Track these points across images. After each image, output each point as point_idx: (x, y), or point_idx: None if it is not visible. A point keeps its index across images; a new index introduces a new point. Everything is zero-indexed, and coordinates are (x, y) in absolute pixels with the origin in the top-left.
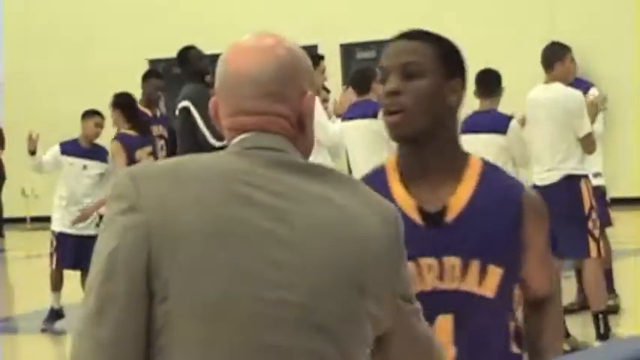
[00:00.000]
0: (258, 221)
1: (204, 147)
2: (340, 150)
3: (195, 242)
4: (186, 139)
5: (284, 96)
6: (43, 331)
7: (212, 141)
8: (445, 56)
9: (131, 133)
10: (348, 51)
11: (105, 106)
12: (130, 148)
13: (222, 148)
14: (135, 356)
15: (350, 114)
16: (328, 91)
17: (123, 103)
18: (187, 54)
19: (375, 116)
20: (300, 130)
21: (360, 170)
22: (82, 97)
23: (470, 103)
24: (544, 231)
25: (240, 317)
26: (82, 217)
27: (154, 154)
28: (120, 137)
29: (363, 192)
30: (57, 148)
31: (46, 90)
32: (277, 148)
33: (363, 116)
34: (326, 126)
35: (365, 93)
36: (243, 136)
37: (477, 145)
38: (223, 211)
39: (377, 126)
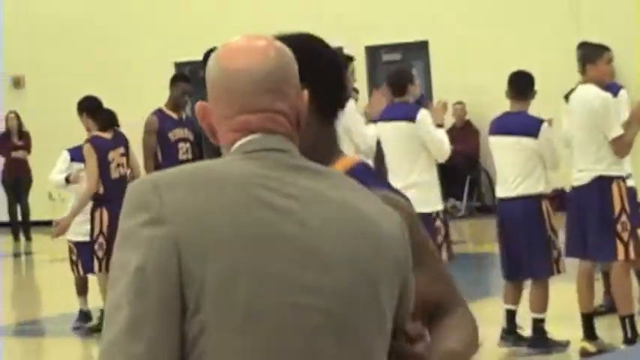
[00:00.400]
0: (281, 226)
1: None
2: (370, 154)
3: (223, 251)
4: (210, 144)
5: (283, 93)
6: (75, 329)
7: None
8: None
9: (103, 135)
10: (373, 53)
11: (130, 110)
12: (101, 150)
13: None
14: None
15: (387, 115)
16: (357, 92)
17: (89, 107)
18: None
19: (412, 119)
20: (298, 129)
21: (398, 172)
22: (107, 100)
23: (500, 105)
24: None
25: (273, 324)
26: (61, 230)
27: (126, 155)
28: (91, 140)
29: (367, 193)
30: (66, 155)
31: (69, 94)
32: (284, 149)
33: (401, 118)
34: (363, 131)
35: (402, 94)
36: (249, 138)
37: (506, 148)
38: (247, 218)
39: (414, 129)
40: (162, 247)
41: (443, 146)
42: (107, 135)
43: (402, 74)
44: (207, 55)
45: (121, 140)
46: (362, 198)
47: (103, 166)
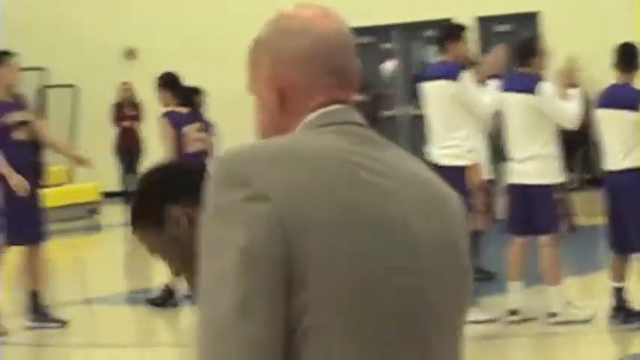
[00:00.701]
0: (378, 205)
1: None
2: (488, 122)
3: (324, 229)
4: None
5: (354, 54)
6: (186, 297)
7: None
8: (140, 214)
9: (180, 110)
10: (484, 24)
11: (240, 82)
12: (177, 124)
13: None
14: (283, 349)
15: (509, 86)
16: (475, 63)
17: (168, 82)
18: None
19: (531, 91)
20: None
21: (519, 144)
22: (217, 71)
23: (610, 77)
24: None
25: (372, 305)
26: None
27: (204, 130)
28: (167, 114)
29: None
30: None
31: (182, 65)
32: (362, 122)
33: (522, 90)
34: (480, 99)
35: (524, 65)
36: (328, 109)
37: (610, 121)
38: (346, 196)
39: (534, 101)
40: (268, 224)
41: (565, 114)
42: (183, 110)
43: (525, 45)
44: None
45: (198, 117)
46: (428, 171)
47: (179, 139)
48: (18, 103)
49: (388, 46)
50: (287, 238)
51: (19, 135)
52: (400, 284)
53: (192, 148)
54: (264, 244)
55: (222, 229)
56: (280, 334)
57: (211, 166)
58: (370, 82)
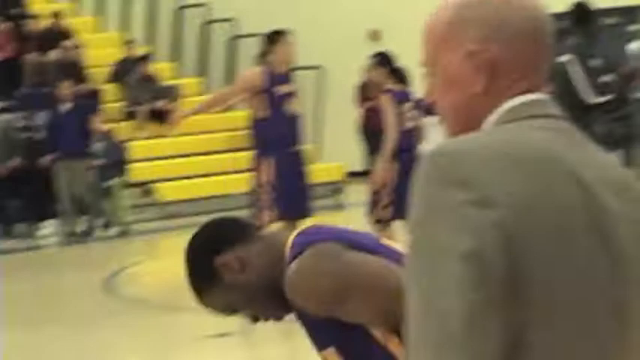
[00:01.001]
0: (589, 210)
1: (576, 107)
2: None
3: (546, 239)
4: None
5: None
6: None
7: (589, 99)
8: (196, 276)
9: (396, 87)
10: None
11: None
12: (399, 101)
13: (597, 105)
14: None
15: None
16: None
17: (385, 61)
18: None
19: None
20: None
21: None
22: None
23: None
24: (308, 304)
25: (592, 319)
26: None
27: (415, 109)
28: (389, 91)
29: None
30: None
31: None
32: (562, 115)
33: None
34: None
35: None
36: (533, 97)
37: None
38: (562, 202)
39: None
40: (495, 235)
41: None
42: (398, 88)
43: None
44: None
45: (411, 95)
46: (623, 168)
47: (397, 117)
48: (287, 76)
49: (635, 27)
50: (512, 248)
51: (287, 106)
52: (612, 296)
53: (406, 125)
54: (491, 254)
55: (439, 232)
56: (504, 350)
57: (425, 160)
58: (617, 62)
